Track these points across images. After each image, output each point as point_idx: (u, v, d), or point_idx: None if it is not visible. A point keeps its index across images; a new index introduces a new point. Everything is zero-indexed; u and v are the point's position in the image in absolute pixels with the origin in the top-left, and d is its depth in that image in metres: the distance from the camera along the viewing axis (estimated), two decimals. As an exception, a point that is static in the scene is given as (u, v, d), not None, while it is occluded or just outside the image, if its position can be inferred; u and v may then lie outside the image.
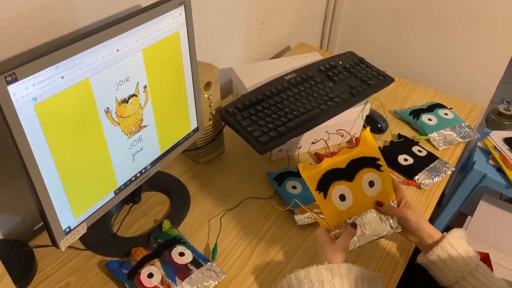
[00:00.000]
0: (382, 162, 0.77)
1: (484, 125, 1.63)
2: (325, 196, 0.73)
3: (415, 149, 1.04)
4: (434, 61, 1.53)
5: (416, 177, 0.97)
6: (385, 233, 0.74)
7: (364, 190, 0.75)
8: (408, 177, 0.98)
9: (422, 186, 0.96)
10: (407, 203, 0.76)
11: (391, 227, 0.75)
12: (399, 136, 1.09)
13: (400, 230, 0.75)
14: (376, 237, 0.74)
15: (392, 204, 0.77)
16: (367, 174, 0.76)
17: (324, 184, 0.74)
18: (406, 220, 0.73)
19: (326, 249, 0.71)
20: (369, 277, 0.68)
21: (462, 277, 0.70)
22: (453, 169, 1.00)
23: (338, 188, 0.74)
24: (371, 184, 0.76)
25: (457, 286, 0.72)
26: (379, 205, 0.75)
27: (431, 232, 0.74)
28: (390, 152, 1.03)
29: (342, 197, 0.74)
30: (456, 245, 0.72)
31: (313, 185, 0.73)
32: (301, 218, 0.86)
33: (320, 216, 0.86)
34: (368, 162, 0.77)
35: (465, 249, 0.72)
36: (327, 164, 0.75)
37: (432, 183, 0.96)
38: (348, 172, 0.75)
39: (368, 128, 0.80)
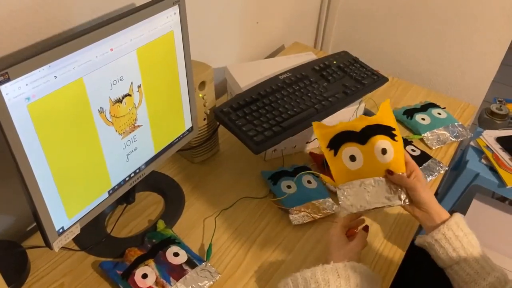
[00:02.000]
0: (397, 132, 0.77)
1: (476, 125, 1.64)
2: (335, 154, 0.74)
3: (408, 148, 1.04)
4: (427, 61, 1.54)
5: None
6: (393, 202, 0.73)
7: (376, 155, 0.74)
8: None
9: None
10: (417, 176, 0.75)
11: (399, 198, 0.74)
12: None
13: (408, 203, 0.74)
14: (382, 205, 0.73)
15: (403, 174, 0.75)
16: (380, 141, 0.74)
17: (336, 142, 0.74)
18: (415, 191, 0.73)
19: (339, 248, 0.72)
20: (372, 277, 0.69)
21: (465, 259, 0.70)
22: (446, 168, 1.01)
23: (349, 148, 0.74)
24: (384, 151, 0.74)
25: (456, 267, 0.71)
26: (389, 173, 0.74)
27: (439, 209, 0.74)
28: None
29: (353, 158, 0.73)
30: (462, 225, 0.73)
31: (325, 142, 0.74)
32: (296, 218, 0.86)
33: (315, 216, 0.87)
34: (383, 130, 0.76)
35: (469, 231, 0.73)
36: (342, 125, 0.76)
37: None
38: (362, 135, 0.75)
39: (387, 100, 0.80)
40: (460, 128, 1.12)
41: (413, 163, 0.77)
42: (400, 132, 0.78)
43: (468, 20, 1.39)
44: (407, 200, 0.74)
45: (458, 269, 0.71)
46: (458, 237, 0.72)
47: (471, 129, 1.23)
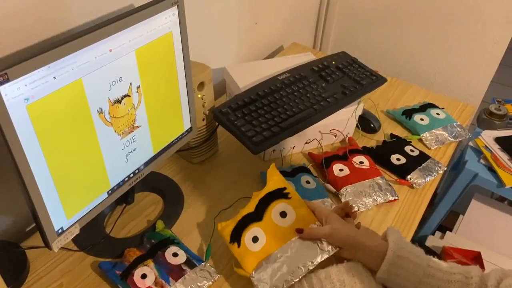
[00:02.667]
0: (289, 189, 0.77)
1: (475, 125, 1.64)
2: (239, 245, 0.74)
3: (407, 148, 1.05)
4: (426, 61, 1.54)
5: (409, 177, 0.97)
6: (319, 258, 0.69)
7: (276, 223, 0.74)
8: (401, 176, 0.98)
9: (414, 185, 0.97)
10: (328, 219, 0.71)
11: (322, 250, 0.70)
12: (392, 136, 1.10)
13: (337, 249, 0.70)
14: (309, 267, 0.69)
15: (315, 226, 0.72)
16: (276, 207, 0.76)
17: (236, 233, 0.74)
18: (330, 236, 0.70)
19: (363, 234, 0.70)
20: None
21: (420, 282, 0.65)
22: (445, 169, 1.01)
23: (249, 232, 0.74)
24: (283, 214, 0.75)
25: (421, 286, 0.66)
26: (299, 232, 0.71)
27: (368, 242, 0.68)
28: (383, 151, 1.04)
29: (255, 239, 0.73)
30: (401, 251, 0.67)
31: (227, 238, 0.75)
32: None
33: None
34: (275, 196, 0.77)
35: (410, 250, 0.67)
36: (239, 214, 0.77)
37: (424, 182, 0.97)
38: (257, 213, 0.76)
39: (273, 164, 0.82)
40: (458, 128, 1.12)
41: (320, 208, 0.74)
42: (292, 187, 0.79)
43: (467, 21, 1.39)
44: (334, 248, 0.71)
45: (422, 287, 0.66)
46: (403, 267, 0.66)
47: (470, 130, 1.23)
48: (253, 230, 0.75)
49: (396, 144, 1.07)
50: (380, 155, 1.03)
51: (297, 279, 0.69)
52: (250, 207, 0.77)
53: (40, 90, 0.58)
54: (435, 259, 0.68)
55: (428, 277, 0.65)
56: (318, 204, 0.75)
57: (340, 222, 0.72)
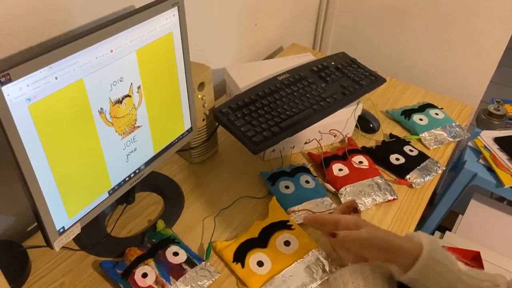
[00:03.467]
0: (291, 222, 0.85)
1: (474, 125, 1.65)
2: (243, 266, 0.78)
3: (406, 148, 1.05)
4: (425, 62, 1.55)
5: (408, 176, 0.98)
6: (318, 275, 0.76)
7: (281, 251, 0.81)
8: (400, 176, 0.99)
9: (413, 185, 0.97)
10: (358, 224, 0.71)
11: (324, 270, 0.77)
12: (391, 136, 1.10)
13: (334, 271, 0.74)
14: (312, 285, 0.75)
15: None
16: (280, 236, 0.83)
17: (240, 254, 0.79)
18: (368, 241, 0.68)
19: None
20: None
21: (449, 287, 0.64)
22: (444, 168, 1.02)
23: (254, 256, 0.79)
24: (287, 243, 0.82)
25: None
26: (333, 236, 0.70)
27: (404, 244, 0.67)
28: (382, 151, 1.05)
29: (260, 263, 0.79)
30: (435, 253, 0.65)
31: (229, 257, 0.79)
32: (295, 217, 0.87)
33: (311, 211, 0.87)
34: (278, 226, 0.84)
35: (444, 255, 0.66)
36: (241, 237, 0.82)
37: (423, 182, 0.98)
38: (261, 239, 0.82)
39: (274, 198, 0.89)
40: (457, 128, 1.13)
41: (345, 216, 0.73)
42: (294, 221, 0.86)
43: (466, 21, 1.40)
44: (333, 268, 0.77)
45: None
46: (436, 270, 0.64)
47: (469, 130, 1.23)
48: (258, 254, 0.80)
49: (395, 144, 1.07)
50: (379, 155, 1.03)
51: None
52: (253, 233, 0.83)
53: (42, 90, 0.58)
54: (463, 266, 0.66)
55: (459, 283, 0.64)
56: (341, 215, 0.74)
57: (372, 226, 0.71)
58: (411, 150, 1.05)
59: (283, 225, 0.85)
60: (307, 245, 0.81)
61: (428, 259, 0.64)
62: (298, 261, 0.79)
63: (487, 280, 0.65)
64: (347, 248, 0.74)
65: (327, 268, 0.77)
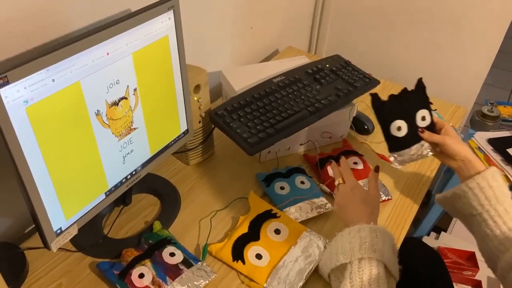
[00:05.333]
0: (275, 209, 0.88)
1: (468, 126, 1.66)
2: (244, 263, 0.79)
3: (420, 115, 0.86)
4: (419, 64, 1.56)
5: (395, 155, 0.88)
6: (317, 255, 0.79)
7: (274, 240, 0.83)
8: (392, 149, 0.88)
9: (393, 165, 0.91)
10: (447, 130, 0.84)
11: (319, 248, 0.81)
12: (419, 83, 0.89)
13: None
14: (314, 264, 0.79)
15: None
16: (269, 226, 0.85)
17: (238, 252, 0.81)
18: (446, 145, 0.82)
19: (364, 206, 0.76)
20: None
21: (495, 208, 0.75)
22: (431, 154, 0.92)
23: (251, 250, 0.81)
24: (277, 231, 0.84)
25: (486, 215, 0.76)
26: (421, 132, 0.83)
27: (475, 160, 0.80)
28: (388, 113, 0.87)
29: (259, 256, 0.81)
30: (497, 177, 0.77)
31: (229, 258, 0.80)
32: (295, 216, 0.88)
33: (308, 215, 0.88)
34: (264, 216, 0.87)
35: (503, 183, 0.78)
36: (232, 235, 0.83)
37: (457, 135, 0.88)
38: (252, 233, 0.84)
39: (251, 192, 0.91)
40: (451, 129, 1.14)
41: (441, 121, 0.86)
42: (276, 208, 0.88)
43: (459, 24, 1.42)
44: (326, 244, 0.81)
45: (487, 216, 0.75)
46: (492, 187, 0.76)
47: (463, 131, 1.25)
48: (254, 248, 0.81)
49: (411, 103, 0.86)
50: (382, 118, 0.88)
51: (308, 273, 0.77)
52: (243, 229, 0.85)
53: (39, 92, 0.59)
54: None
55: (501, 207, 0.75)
56: (439, 118, 0.86)
57: (455, 136, 0.83)
58: (423, 119, 0.87)
59: (269, 215, 0.87)
60: (296, 229, 0.84)
61: (486, 177, 0.77)
62: (293, 246, 0.81)
63: None
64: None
65: (321, 245, 0.82)
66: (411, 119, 0.83)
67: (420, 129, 0.83)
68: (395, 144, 0.85)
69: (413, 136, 0.84)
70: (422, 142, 0.84)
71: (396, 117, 0.82)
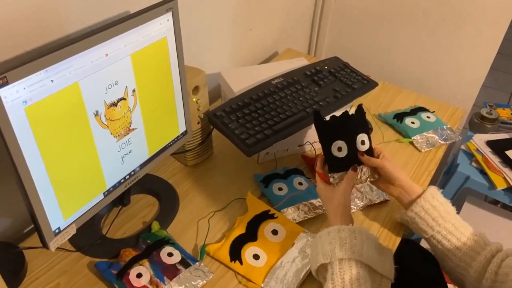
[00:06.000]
0: (272, 210, 0.88)
1: (467, 129, 1.67)
2: (241, 263, 0.80)
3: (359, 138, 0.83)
4: (417, 66, 1.57)
5: (336, 176, 0.83)
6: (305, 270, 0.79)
7: (271, 240, 0.84)
8: (332, 169, 0.83)
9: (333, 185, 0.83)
10: (384, 156, 0.84)
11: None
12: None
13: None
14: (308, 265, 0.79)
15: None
16: (266, 227, 0.85)
17: (235, 253, 0.81)
18: (384, 168, 0.82)
19: (330, 199, 0.79)
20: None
21: (444, 226, 0.78)
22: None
23: (248, 250, 0.82)
24: (275, 232, 0.85)
25: (438, 236, 0.78)
26: (361, 155, 0.82)
27: (411, 184, 0.82)
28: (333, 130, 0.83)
29: (256, 257, 0.81)
30: (437, 196, 0.80)
31: (226, 258, 0.80)
32: (292, 217, 0.88)
33: (306, 215, 0.89)
34: (262, 217, 0.87)
35: (444, 200, 0.80)
36: (229, 236, 0.84)
37: (393, 162, 0.85)
38: (250, 234, 0.85)
39: (249, 193, 0.92)
40: (448, 131, 1.14)
41: (378, 147, 0.86)
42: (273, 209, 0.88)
43: (457, 26, 1.42)
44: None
45: (440, 237, 0.78)
46: (435, 207, 0.79)
47: (462, 133, 1.25)
48: (252, 249, 0.82)
49: (352, 126, 0.83)
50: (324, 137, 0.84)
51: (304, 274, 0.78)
52: (240, 229, 0.85)
53: (38, 93, 0.60)
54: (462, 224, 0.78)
55: (443, 231, 0.77)
56: (377, 146, 0.87)
57: (392, 162, 0.84)
58: (362, 143, 0.83)
59: (266, 216, 0.87)
60: (294, 230, 0.85)
61: (426, 203, 0.79)
62: (291, 247, 0.82)
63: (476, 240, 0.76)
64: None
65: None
66: (351, 141, 0.81)
67: (359, 152, 0.82)
68: (335, 165, 0.82)
69: (353, 159, 0.82)
70: (362, 166, 0.83)
71: (337, 137, 0.81)
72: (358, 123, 0.83)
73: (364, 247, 0.69)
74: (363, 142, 0.82)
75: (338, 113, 1.03)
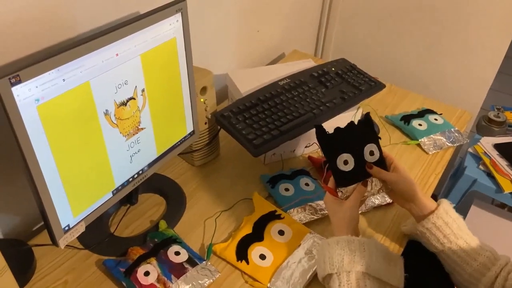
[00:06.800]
0: (279, 210, 0.89)
1: (475, 132, 1.66)
2: (248, 262, 0.80)
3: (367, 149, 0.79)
4: (425, 69, 1.57)
5: (344, 189, 0.80)
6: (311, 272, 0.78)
7: (277, 241, 0.84)
8: (339, 183, 0.79)
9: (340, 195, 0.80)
10: (396, 167, 0.79)
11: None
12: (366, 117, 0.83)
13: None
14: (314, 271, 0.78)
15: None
16: (273, 227, 0.86)
17: (241, 252, 0.82)
18: (395, 184, 0.78)
19: (335, 212, 0.77)
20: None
21: (456, 243, 0.76)
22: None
23: (255, 250, 0.82)
24: (281, 232, 0.85)
25: (448, 251, 0.76)
26: (369, 168, 0.78)
27: (425, 200, 0.79)
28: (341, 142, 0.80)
29: (262, 257, 0.81)
30: (451, 212, 0.78)
31: (233, 258, 0.81)
32: (299, 217, 0.89)
33: (312, 216, 0.89)
34: (268, 218, 0.87)
35: (457, 216, 0.78)
36: (235, 236, 0.84)
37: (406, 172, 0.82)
38: (256, 234, 0.85)
39: (256, 193, 0.92)
40: (456, 134, 1.14)
41: (390, 156, 0.81)
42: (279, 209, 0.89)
43: (465, 29, 1.42)
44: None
45: (450, 253, 0.76)
46: (448, 223, 0.76)
47: (469, 136, 1.25)
48: (258, 249, 0.82)
49: (358, 137, 0.80)
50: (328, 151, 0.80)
51: (310, 275, 0.78)
52: (247, 229, 0.86)
53: (50, 91, 0.61)
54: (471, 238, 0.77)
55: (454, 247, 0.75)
56: (388, 153, 0.82)
57: (406, 174, 0.79)
58: (371, 153, 0.80)
59: (273, 216, 0.88)
60: (300, 231, 0.85)
61: (437, 219, 0.76)
62: (297, 248, 0.82)
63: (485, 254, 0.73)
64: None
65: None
66: (359, 153, 0.77)
67: (368, 164, 0.77)
68: (343, 179, 0.78)
69: (361, 171, 0.78)
70: (372, 178, 0.79)
71: (342, 151, 0.77)
72: (365, 133, 0.79)
73: (372, 259, 0.69)
74: (372, 153, 0.78)
75: (346, 115, 1.03)
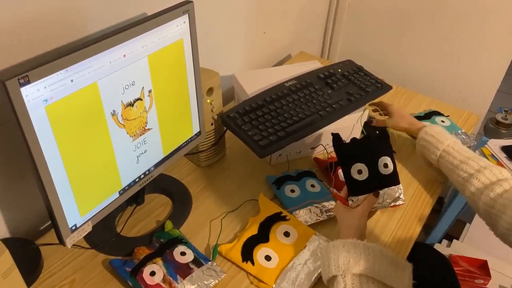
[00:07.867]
0: (285, 212, 0.89)
1: (482, 134, 1.65)
2: (253, 263, 0.80)
3: (381, 162, 0.79)
4: (432, 70, 1.56)
5: (356, 198, 0.79)
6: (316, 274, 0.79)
7: (283, 242, 0.84)
8: (352, 192, 0.80)
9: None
10: (392, 112, 1.08)
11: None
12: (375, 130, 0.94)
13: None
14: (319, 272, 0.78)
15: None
16: (278, 229, 0.86)
17: (247, 253, 0.82)
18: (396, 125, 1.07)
19: (344, 219, 0.78)
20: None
21: (444, 150, 0.90)
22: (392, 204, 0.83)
23: (260, 251, 0.82)
24: (287, 234, 0.85)
25: (441, 160, 0.91)
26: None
27: (413, 121, 1.05)
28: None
29: (268, 258, 0.82)
30: (433, 128, 0.96)
31: (238, 259, 0.81)
32: (304, 219, 0.89)
33: (318, 218, 0.89)
34: (274, 219, 0.88)
35: (441, 129, 0.96)
36: (241, 237, 0.85)
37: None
38: (262, 235, 0.85)
39: (261, 194, 0.93)
40: (463, 136, 1.13)
41: (388, 103, 1.10)
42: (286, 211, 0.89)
43: (473, 31, 1.41)
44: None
45: (445, 154, 0.90)
46: (433, 135, 0.94)
47: (476, 138, 1.24)
48: (264, 250, 0.83)
49: (374, 149, 0.81)
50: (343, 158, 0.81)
51: (316, 276, 0.78)
52: (252, 230, 0.86)
53: (58, 92, 0.61)
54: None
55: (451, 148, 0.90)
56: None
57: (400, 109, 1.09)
58: (385, 166, 0.80)
59: (278, 217, 0.88)
60: (306, 233, 0.85)
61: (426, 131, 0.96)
62: (303, 249, 0.82)
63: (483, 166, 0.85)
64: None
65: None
66: (373, 164, 0.78)
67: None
68: (355, 188, 0.79)
69: (374, 182, 0.78)
70: (384, 190, 0.79)
71: (357, 160, 0.78)
72: (380, 146, 0.80)
73: (377, 263, 0.68)
74: (386, 165, 0.79)
75: (352, 116, 1.03)
